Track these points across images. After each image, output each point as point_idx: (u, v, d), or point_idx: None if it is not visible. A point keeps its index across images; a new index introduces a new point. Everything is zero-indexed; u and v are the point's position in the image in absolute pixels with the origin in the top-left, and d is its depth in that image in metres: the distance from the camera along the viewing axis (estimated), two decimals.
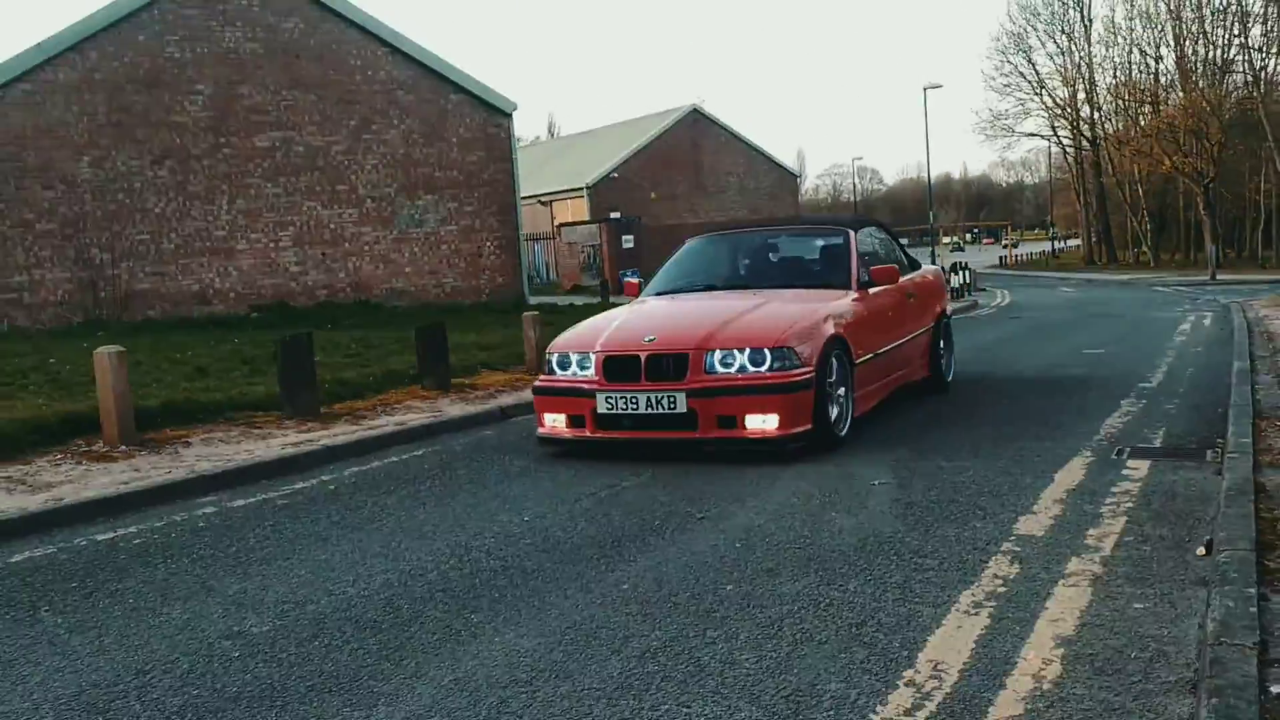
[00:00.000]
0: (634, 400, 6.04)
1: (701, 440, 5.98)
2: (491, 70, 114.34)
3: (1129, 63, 45.04)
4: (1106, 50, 45.17)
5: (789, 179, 46.12)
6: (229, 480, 5.89)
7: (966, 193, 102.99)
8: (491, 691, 2.92)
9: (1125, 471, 5.33)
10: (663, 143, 40.25)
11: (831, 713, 2.70)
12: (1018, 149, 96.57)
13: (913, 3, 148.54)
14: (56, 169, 15.60)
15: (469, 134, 19.16)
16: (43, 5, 73.41)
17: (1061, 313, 19.07)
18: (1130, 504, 4.68)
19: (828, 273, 7.39)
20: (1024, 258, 57.72)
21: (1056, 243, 64.52)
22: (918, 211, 68.50)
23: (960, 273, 26.82)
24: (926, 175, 52.17)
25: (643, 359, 6.07)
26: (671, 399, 5.95)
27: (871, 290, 7.17)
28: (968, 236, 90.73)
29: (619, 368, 6.15)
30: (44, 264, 15.64)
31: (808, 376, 5.94)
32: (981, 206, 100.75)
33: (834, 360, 6.24)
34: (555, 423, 6.46)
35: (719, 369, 5.96)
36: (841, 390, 6.36)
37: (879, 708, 2.72)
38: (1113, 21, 45.05)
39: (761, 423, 5.91)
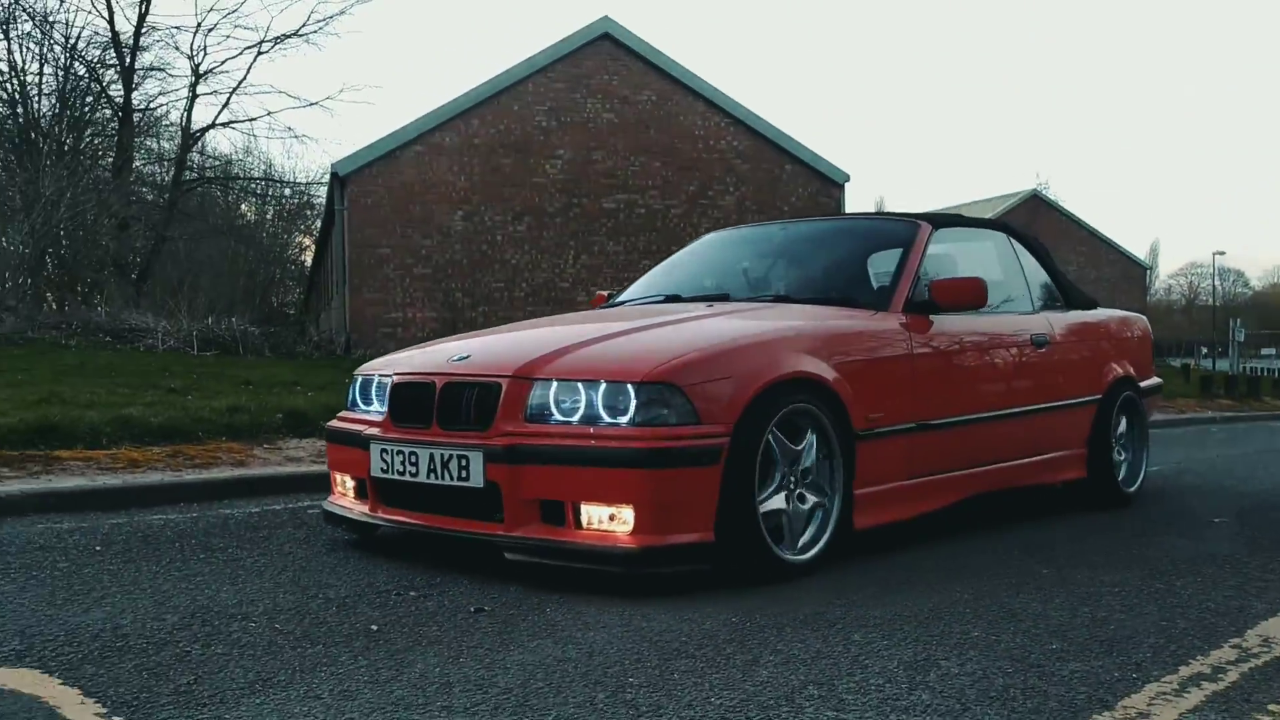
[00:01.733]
0: (414, 459, 3.60)
1: (505, 541, 3.43)
2: (826, 143, 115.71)
3: None
4: None
5: (1136, 271, 43.38)
6: None
7: None
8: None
9: None
10: None
11: (1150, 654, 2.73)
12: None
13: None
14: (435, 221, 17.67)
15: (800, 203, 19.74)
16: (440, 78, 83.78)
17: None
18: None
19: (855, 283, 4.63)
20: None
21: None
22: None
23: None
24: None
25: (437, 389, 3.66)
26: (463, 462, 3.46)
27: (936, 317, 4.39)
28: None
29: (411, 403, 3.75)
30: (416, 303, 17.68)
31: (709, 443, 3.33)
32: None
33: (795, 423, 3.61)
34: (345, 488, 4.10)
35: (555, 415, 3.43)
36: (811, 471, 3.68)
37: (1199, 657, 2.71)
38: None
39: (607, 519, 3.31)
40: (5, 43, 23.81)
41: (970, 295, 4.35)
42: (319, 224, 25.50)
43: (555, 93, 18.25)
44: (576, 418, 3.40)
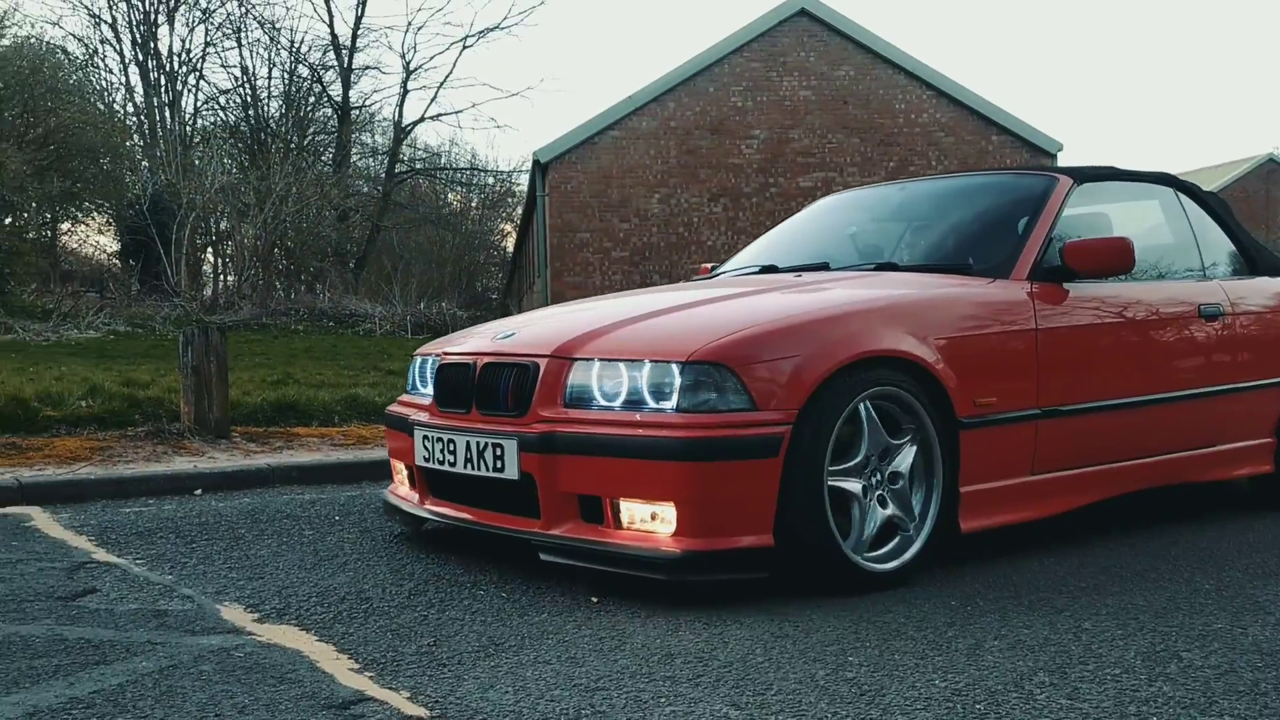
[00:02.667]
0: (452, 447, 3.34)
1: (540, 541, 3.12)
2: (1038, 110, 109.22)
3: None
4: None
5: None
6: None
7: None
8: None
9: None
10: (1229, 195, 36.48)
11: None
12: None
13: None
14: (632, 204, 17.96)
15: None
16: (635, 64, 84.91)
17: None
18: None
19: (973, 247, 3.94)
20: None
21: None
22: None
23: None
24: None
25: (476, 370, 3.38)
26: (498, 451, 3.17)
27: (1073, 285, 3.73)
28: None
29: (454, 385, 3.47)
30: (614, 286, 18.00)
31: (767, 432, 2.92)
32: None
33: (866, 410, 3.11)
34: (402, 477, 3.85)
35: (597, 400, 3.09)
36: (902, 477, 3.20)
37: None
38: None
39: (649, 519, 2.98)
40: (238, 49, 25.71)
41: (1112, 258, 3.66)
42: (520, 210, 26.36)
43: (751, 72, 18.17)
44: (619, 402, 3.05)
